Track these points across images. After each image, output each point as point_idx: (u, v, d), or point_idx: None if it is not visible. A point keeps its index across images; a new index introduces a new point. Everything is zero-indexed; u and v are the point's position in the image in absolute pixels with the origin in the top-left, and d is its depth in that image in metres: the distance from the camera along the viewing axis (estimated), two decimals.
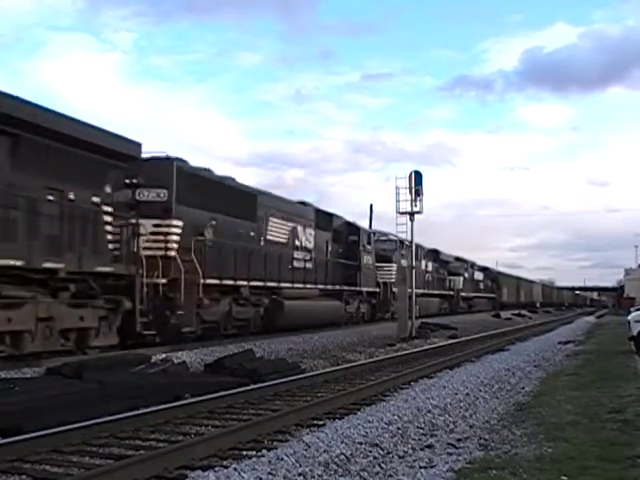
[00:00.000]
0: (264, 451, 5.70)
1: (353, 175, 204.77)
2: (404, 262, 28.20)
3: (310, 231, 21.56)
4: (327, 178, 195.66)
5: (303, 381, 10.27)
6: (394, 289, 27.82)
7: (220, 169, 16.56)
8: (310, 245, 21.42)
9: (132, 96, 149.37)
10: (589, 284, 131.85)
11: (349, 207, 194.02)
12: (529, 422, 7.06)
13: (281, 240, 19.45)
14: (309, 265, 21.17)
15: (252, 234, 17.60)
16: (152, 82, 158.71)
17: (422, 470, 5.14)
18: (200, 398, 8.19)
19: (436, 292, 38.01)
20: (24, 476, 5.14)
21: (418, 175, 22.04)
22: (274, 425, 6.84)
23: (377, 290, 28.19)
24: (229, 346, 14.45)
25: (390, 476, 5.03)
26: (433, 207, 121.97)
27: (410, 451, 5.81)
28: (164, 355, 12.20)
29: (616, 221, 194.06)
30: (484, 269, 55.26)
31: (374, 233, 29.97)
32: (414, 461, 5.46)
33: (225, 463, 5.37)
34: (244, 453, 5.73)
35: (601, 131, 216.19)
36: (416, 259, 30.58)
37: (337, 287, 23.37)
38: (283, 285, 18.98)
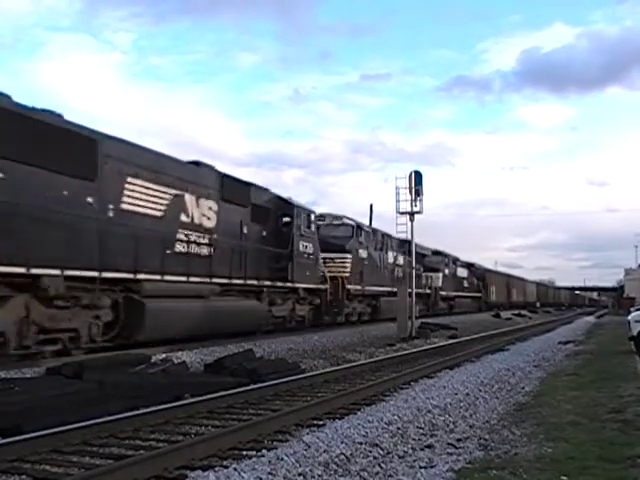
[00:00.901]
0: (264, 451, 5.70)
1: (353, 175, 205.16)
2: (363, 252, 25.06)
3: (210, 204, 15.58)
4: (326, 178, 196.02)
5: (303, 381, 10.27)
6: (349, 286, 23.29)
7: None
8: (210, 223, 15.53)
9: (132, 96, 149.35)
10: (589, 284, 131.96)
11: (349, 207, 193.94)
12: (529, 422, 7.06)
13: (150, 212, 13.46)
14: (205, 251, 15.21)
15: (90, 200, 11.84)
16: (151, 82, 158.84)
17: (422, 470, 5.14)
18: (200, 398, 8.19)
19: (408, 290, 33.53)
20: (24, 476, 5.14)
21: (418, 175, 22.06)
22: (274, 425, 6.84)
23: (322, 287, 21.32)
24: (229, 346, 14.45)
25: (390, 476, 5.03)
26: (433, 207, 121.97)
27: (410, 451, 5.81)
28: (164, 355, 12.19)
29: (616, 221, 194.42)
30: (469, 265, 49.60)
31: (322, 216, 24.20)
32: (414, 461, 5.46)
33: (225, 463, 5.37)
34: (244, 453, 5.73)
35: (600, 131, 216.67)
36: (381, 250, 27.94)
37: (255, 282, 17.05)
38: (144, 277, 12.90)
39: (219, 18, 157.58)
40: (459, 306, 42.42)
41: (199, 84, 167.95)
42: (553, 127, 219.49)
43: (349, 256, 23.88)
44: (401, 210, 22.33)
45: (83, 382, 8.70)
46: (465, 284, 46.48)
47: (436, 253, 40.23)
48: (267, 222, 18.32)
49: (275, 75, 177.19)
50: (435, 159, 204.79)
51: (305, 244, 20.09)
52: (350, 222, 25.14)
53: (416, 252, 34.68)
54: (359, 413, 7.66)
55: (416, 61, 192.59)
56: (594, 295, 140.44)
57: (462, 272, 45.45)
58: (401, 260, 30.54)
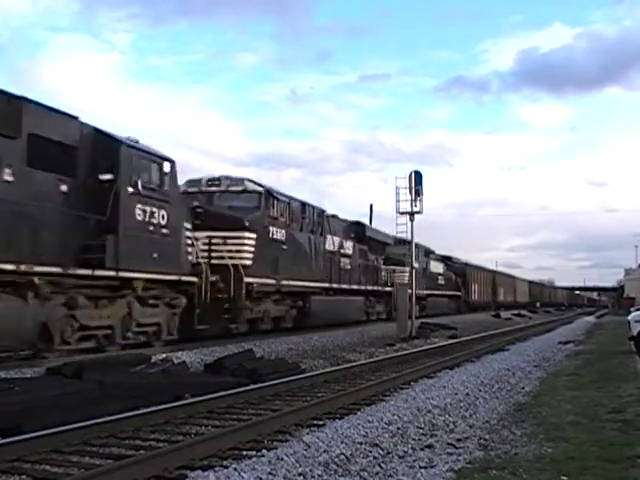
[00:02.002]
0: (264, 451, 5.69)
1: (352, 175, 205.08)
2: (279, 232, 18.16)
3: None
4: (326, 178, 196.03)
5: (303, 381, 10.27)
6: (250, 279, 16.07)
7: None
8: None
9: (132, 96, 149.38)
10: (589, 284, 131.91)
11: (349, 207, 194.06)
12: (529, 422, 7.06)
13: None
14: None
15: None
16: (151, 82, 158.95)
17: (422, 470, 5.14)
18: (200, 398, 8.19)
19: (355, 287, 24.69)
20: (24, 476, 5.14)
21: (418, 175, 22.05)
22: (274, 425, 6.84)
23: (187, 279, 14.07)
24: (229, 346, 14.44)
25: (390, 476, 5.03)
26: (432, 207, 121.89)
27: (410, 451, 5.81)
28: (164, 355, 12.19)
29: (615, 221, 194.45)
30: (445, 259, 43.04)
31: (215, 180, 17.80)
32: (414, 461, 5.46)
33: (225, 463, 5.37)
34: (244, 453, 5.73)
35: (599, 131, 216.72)
36: (314, 232, 20.93)
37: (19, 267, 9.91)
38: None
39: (217, 19, 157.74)
40: (433, 307, 35.62)
41: (198, 84, 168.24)
42: (552, 127, 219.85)
43: (251, 235, 16.58)
44: (401, 210, 22.33)
45: (83, 382, 8.69)
46: (440, 281, 39.57)
47: (402, 242, 30.85)
48: (69, 170, 11.51)
49: (274, 75, 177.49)
50: (434, 159, 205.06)
51: (150, 210, 12.78)
52: (256, 188, 17.76)
53: (375, 240, 28.77)
54: (359, 413, 7.66)
55: (415, 61, 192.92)
56: (594, 295, 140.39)
57: (436, 267, 38.85)
58: (350, 248, 24.49)
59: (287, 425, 6.95)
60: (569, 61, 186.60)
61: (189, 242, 14.42)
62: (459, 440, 6.23)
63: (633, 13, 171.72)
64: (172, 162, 13.74)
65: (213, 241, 16.03)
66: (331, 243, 22.59)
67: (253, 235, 16.83)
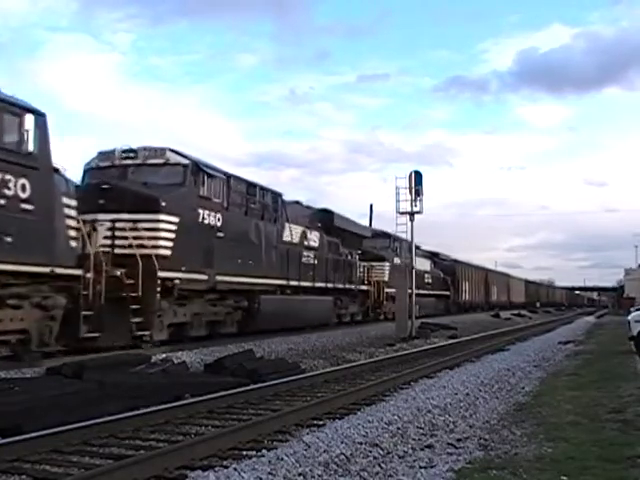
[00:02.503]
0: (264, 451, 5.69)
1: (352, 175, 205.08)
2: (210, 216, 14.75)
3: None
4: (325, 178, 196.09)
5: (303, 381, 10.27)
6: (165, 273, 13.09)
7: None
8: None
9: (132, 96, 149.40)
10: (589, 284, 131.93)
11: (348, 207, 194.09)
12: (529, 422, 7.06)
13: None
14: None
15: None
16: (151, 83, 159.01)
17: (422, 470, 5.14)
18: (200, 398, 8.18)
19: (322, 285, 21.44)
20: (24, 476, 5.14)
21: (418, 175, 22.05)
22: (274, 425, 6.84)
23: (73, 273, 11.01)
24: (229, 346, 14.44)
25: (390, 476, 5.03)
26: (432, 207, 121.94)
27: (410, 451, 5.81)
28: (164, 355, 12.19)
29: (614, 221, 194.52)
30: (433, 255, 39.69)
31: (131, 151, 14.53)
32: (414, 461, 5.46)
33: (225, 463, 5.37)
34: (244, 453, 5.73)
35: (598, 131, 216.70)
36: (264, 218, 17.73)
37: None
38: None
39: (216, 19, 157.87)
40: (420, 307, 31.07)
41: (198, 84, 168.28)
42: (551, 127, 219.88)
43: (169, 219, 13.52)
44: (401, 210, 22.33)
45: (83, 382, 8.69)
46: (427, 279, 35.83)
47: (381, 235, 29.71)
48: None
49: (274, 76, 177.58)
50: (434, 159, 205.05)
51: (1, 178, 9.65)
52: (181, 160, 14.44)
53: (348, 231, 25.23)
54: (359, 413, 7.66)
55: (414, 61, 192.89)
56: (594, 295, 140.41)
57: (422, 263, 34.85)
58: (315, 239, 21.36)
59: (287, 425, 6.95)
60: (568, 61, 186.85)
61: (72, 224, 11.03)
62: (459, 440, 6.23)
63: (631, 13, 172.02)
64: (40, 115, 10.32)
65: (118, 225, 12.91)
66: (290, 233, 19.23)
67: (173, 219, 13.44)
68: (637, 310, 17.67)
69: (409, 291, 22.48)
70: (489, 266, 60.67)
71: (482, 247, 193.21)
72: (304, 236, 20.57)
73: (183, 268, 13.64)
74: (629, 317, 16.24)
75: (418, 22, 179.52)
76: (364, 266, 26.89)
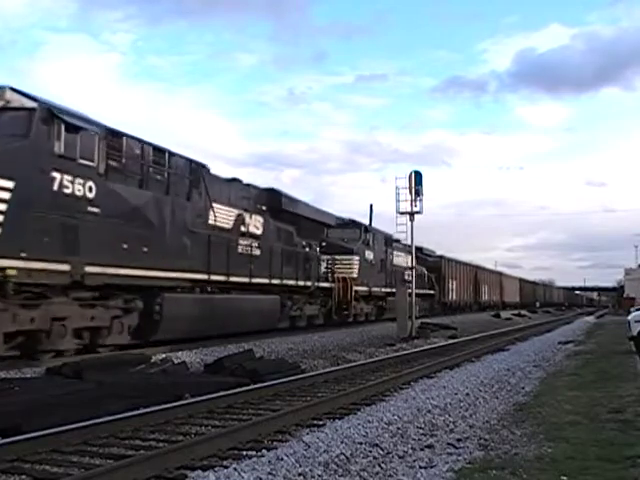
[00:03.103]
0: (264, 451, 5.70)
1: (351, 175, 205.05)
2: (75, 182, 10.93)
3: None
4: (325, 178, 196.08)
5: (303, 381, 10.26)
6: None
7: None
8: None
9: (131, 96, 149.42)
10: (589, 284, 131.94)
11: (348, 207, 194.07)
12: (529, 422, 7.06)
13: None
14: None
15: None
16: (151, 83, 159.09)
17: (422, 470, 5.14)
18: (200, 398, 8.18)
19: (263, 281, 17.48)
20: (24, 476, 5.14)
21: (418, 175, 22.04)
22: (274, 425, 6.84)
23: None
24: (229, 346, 14.45)
25: (390, 476, 5.03)
26: (431, 207, 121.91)
27: (410, 451, 5.81)
28: (164, 355, 12.19)
29: (614, 221, 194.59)
30: (415, 250, 35.44)
31: None
32: (414, 461, 5.46)
33: (225, 463, 5.37)
34: (244, 453, 5.73)
35: (597, 132, 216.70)
36: (189, 198, 14.51)
37: None
38: None
39: (214, 20, 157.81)
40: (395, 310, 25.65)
41: (197, 84, 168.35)
42: (550, 127, 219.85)
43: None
44: (401, 210, 22.32)
45: (83, 382, 8.71)
46: (407, 276, 30.62)
47: (350, 225, 26.04)
48: None
49: (273, 76, 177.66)
50: (433, 159, 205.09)
51: None
52: (26, 102, 10.64)
53: (308, 219, 21.59)
54: (359, 413, 7.66)
55: (412, 62, 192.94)
56: (594, 295, 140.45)
57: (401, 259, 30.92)
58: (258, 225, 17.64)
59: (287, 425, 6.95)
60: (566, 61, 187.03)
61: None
62: (459, 440, 6.23)
63: (630, 13, 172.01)
64: None
65: None
66: (218, 216, 15.61)
67: (4, 182, 9.77)
68: (637, 310, 17.66)
69: (409, 291, 22.50)
70: (479, 263, 55.33)
71: (482, 247, 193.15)
72: (241, 221, 16.67)
73: (23, 254, 9.98)
74: (629, 317, 16.24)
75: (416, 22, 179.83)
76: (327, 260, 23.06)
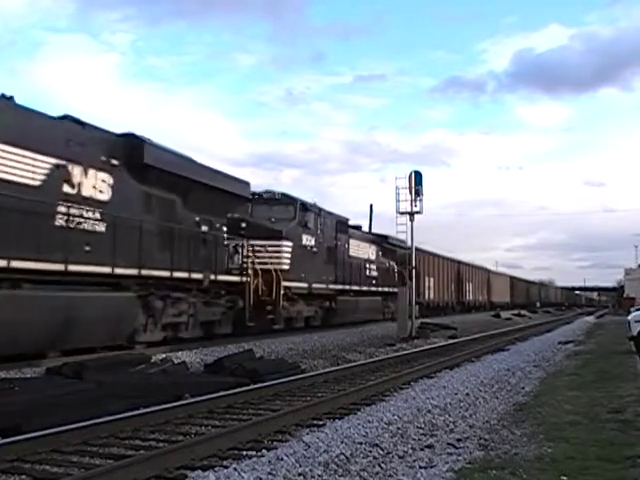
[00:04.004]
0: (264, 451, 5.70)
1: (351, 175, 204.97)
2: None
3: None
4: (324, 178, 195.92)
5: (303, 381, 10.27)
6: None
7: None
8: None
9: (131, 96, 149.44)
10: (589, 284, 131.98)
11: (347, 207, 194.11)
12: (529, 422, 7.06)
13: None
14: None
15: None
16: (150, 83, 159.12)
17: (422, 470, 5.14)
18: (200, 398, 8.18)
19: (104, 270, 11.68)
20: (24, 476, 5.14)
21: (418, 175, 22.05)
22: (274, 425, 6.84)
23: None
24: (229, 346, 14.45)
25: (390, 476, 5.03)
26: (430, 207, 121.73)
27: (410, 451, 5.81)
28: (164, 355, 12.20)
29: (613, 221, 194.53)
30: (380, 240, 29.48)
31: None
32: (414, 461, 5.46)
33: (225, 463, 5.37)
34: (244, 453, 5.73)
35: (596, 132, 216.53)
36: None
37: None
38: None
39: (212, 21, 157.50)
40: (349, 310, 23.75)
41: (197, 85, 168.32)
42: (549, 127, 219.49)
43: None
44: (401, 210, 22.32)
45: (83, 382, 8.71)
46: (370, 272, 26.95)
47: (281, 200, 20.28)
48: None
49: (272, 76, 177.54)
50: (432, 159, 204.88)
51: None
52: None
53: (204, 185, 14.95)
54: (359, 413, 7.66)
55: (410, 62, 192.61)
56: (594, 295, 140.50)
57: (363, 249, 26.33)
58: (104, 189, 12.10)
59: (287, 425, 6.95)
60: (565, 62, 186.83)
61: None
62: (459, 440, 6.23)
63: (628, 14, 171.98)
64: None
65: None
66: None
67: None
68: (637, 310, 17.67)
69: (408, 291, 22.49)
70: (461, 258, 48.32)
71: (482, 247, 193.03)
72: (66, 179, 11.22)
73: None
74: (629, 317, 16.24)
75: (415, 22, 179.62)
76: (242, 245, 16.91)
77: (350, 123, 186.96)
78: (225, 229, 16.44)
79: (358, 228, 27.70)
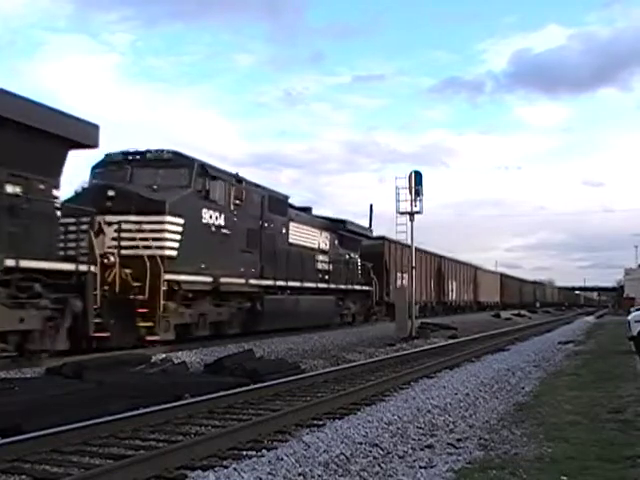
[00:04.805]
0: (264, 451, 5.70)
1: (350, 175, 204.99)
2: None
3: None
4: (324, 178, 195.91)
5: (303, 381, 10.27)
6: None
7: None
8: None
9: (130, 97, 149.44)
10: (589, 284, 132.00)
11: (347, 207, 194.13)
12: (529, 422, 7.06)
13: None
14: None
15: None
16: (150, 83, 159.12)
17: (422, 470, 5.14)
18: (200, 398, 8.18)
19: None
20: (24, 476, 5.14)
21: (418, 175, 22.05)
22: (274, 425, 6.84)
23: None
24: (229, 346, 14.45)
25: (390, 476, 5.03)
26: (429, 207, 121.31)
27: (410, 451, 5.81)
28: (164, 355, 12.20)
29: (613, 221, 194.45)
30: (335, 225, 24.35)
31: None
32: (414, 461, 5.46)
33: (225, 463, 5.37)
34: (244, 453, 5.73)
35: (595, 132, 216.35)
36: None
37: None
38: None
39: (210, 22, 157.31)
40: (286, 314, 18.63)
41: (196, 85, 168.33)
42: (548, 128, 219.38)
43: None
44: (401, 210, 22.32)
45: (83, 382, 8.71)
46: (321, 264, 22.13)
47: (172, 160, 14.96)
48: None
49: (271, 77, 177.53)
50: (431, 159, 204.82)
51: None
52: None
53: (23, 126, 10.09)
54: (359, 413, 7.66)
55: (409, 62, 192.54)
56: (594, 295, 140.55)
57: (308, 236, 21.30)
58: None
59: (287, 425, 6.95)
60: (564, 62, 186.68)
61: None
62: (459, 440, 6.23)
63: (627, 14, 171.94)
64: None
65: None
66: None
67: None
68: (637, 310, 17.67)
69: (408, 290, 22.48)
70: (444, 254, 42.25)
71: (482, 247, 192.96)
72: None
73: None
74: (629, 317, 16.24)
75: (413, 23, 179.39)
76: (90, 223, 12.57)
77: (349, 123, 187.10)
78: (56, 193, 11.60)
79: (306, 210, 22.61)
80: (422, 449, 5.90)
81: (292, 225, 19.96)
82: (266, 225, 18.00)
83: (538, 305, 73.38)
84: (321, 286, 21.76)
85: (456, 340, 20.29)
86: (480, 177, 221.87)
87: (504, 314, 44.34)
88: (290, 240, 19.69)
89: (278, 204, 18.97)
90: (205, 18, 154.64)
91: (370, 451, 5.71)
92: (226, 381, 9.68)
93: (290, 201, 20.50)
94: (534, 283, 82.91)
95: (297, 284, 19.55)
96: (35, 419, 6.51)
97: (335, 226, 24.34)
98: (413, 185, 21.87)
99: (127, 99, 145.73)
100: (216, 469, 5.11)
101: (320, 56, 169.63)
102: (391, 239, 28.16)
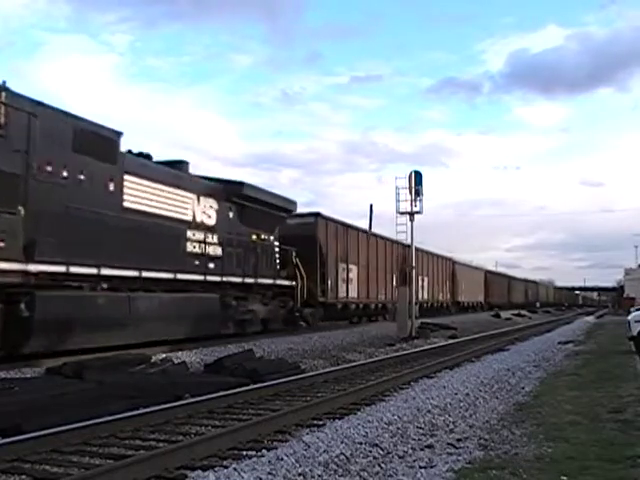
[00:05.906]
0: (264, 451, 5.69)
1: (349, 176, 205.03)
2: None
3: None
4: (323, 178, 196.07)
5: (303, 381, 10.27)
6: None
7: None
8: None
9: (130, 97, 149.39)
10: (589, 284, 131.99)
11: (346, 207, 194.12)
12: (529, 422, 7.06)
13: None
14: None
15: None
16: (149, 83, 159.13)
17: (422, 470, 5.14)
18: (200, 398, 8.18)
19: None
20: (24, 476, 5.14)
21: (418, 175, 22.05)
22: (274, 425, 6.84)
23: None
24: (229, 346, 14.46)
25: (390, 476, 5.03)
26: (429, 207, 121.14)
27: (410, 451, 5.81)
28: (164, 355, 12.20)
29: (612, 221, 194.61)
30: (231, 188, 16.90)
31: None
32: (414, 461, 5.46)
33: (225, 463, 5.37)
34: (244, 453, 5.73)
35: (593, 132, 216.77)
36: None
37: None
38: None
39: (208, 23, 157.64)
40: (96, 323, 11.49)
41: (195, 85, 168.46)
42: (546, 128, 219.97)
43: None
44: (401, 210, 22.32)
45: (83, 382, 8.71)
46: (197, 246, 15.14)
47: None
48: None
49: (270, 77, 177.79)
50: (430, 160, 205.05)
51: None
52: None
53: None
54: (359, 413, 7.65)
55: (408, 63, 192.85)
56: (593, 295, 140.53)
57: (175, 201, 14.54)
58: None
59: (287, 425, 6.95)
60: (561, 62, 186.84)
61: None
62: (459, 440, 6.23)
63: (625, 14, 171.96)
64: None
65: None
66: None
67: None
68: (637, 310, 17.66)
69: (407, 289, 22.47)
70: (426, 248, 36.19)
71: (481, 247, 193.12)
72: None
73: None
74: (629, 317, 16.23)
75: (411, 23, 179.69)
76: None
77: (348, 123, 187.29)
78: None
79: (182, 164, 15.85)
80: (422, 449, 5.90)
81: (133, 180, 13.19)
82: (49, 169, 10.92)
83: (538, 305, 73.33)
84: (192, 278, 14.77)
85: (456, 340, 20.30)
86: (479, 177, 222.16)
87: (504, 314, 44.33)
88: (125, 204, 12.90)
89: (95, 143, 11.93)
90: (203, 19, 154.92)
91: (370, 451, 5.71)
92: (226, 381, 9.68)
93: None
94: (526, 281, 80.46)
95: (131, 273, 12.70)
96: (35, 419, 6.51)
97: (229, 191, 16.97)
98: (413, 185, 21.88)
99: (127, 99, 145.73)
100: (216, 469, 5.11)
101: (318, 56, 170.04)
102: (328, 217, 23.05)
